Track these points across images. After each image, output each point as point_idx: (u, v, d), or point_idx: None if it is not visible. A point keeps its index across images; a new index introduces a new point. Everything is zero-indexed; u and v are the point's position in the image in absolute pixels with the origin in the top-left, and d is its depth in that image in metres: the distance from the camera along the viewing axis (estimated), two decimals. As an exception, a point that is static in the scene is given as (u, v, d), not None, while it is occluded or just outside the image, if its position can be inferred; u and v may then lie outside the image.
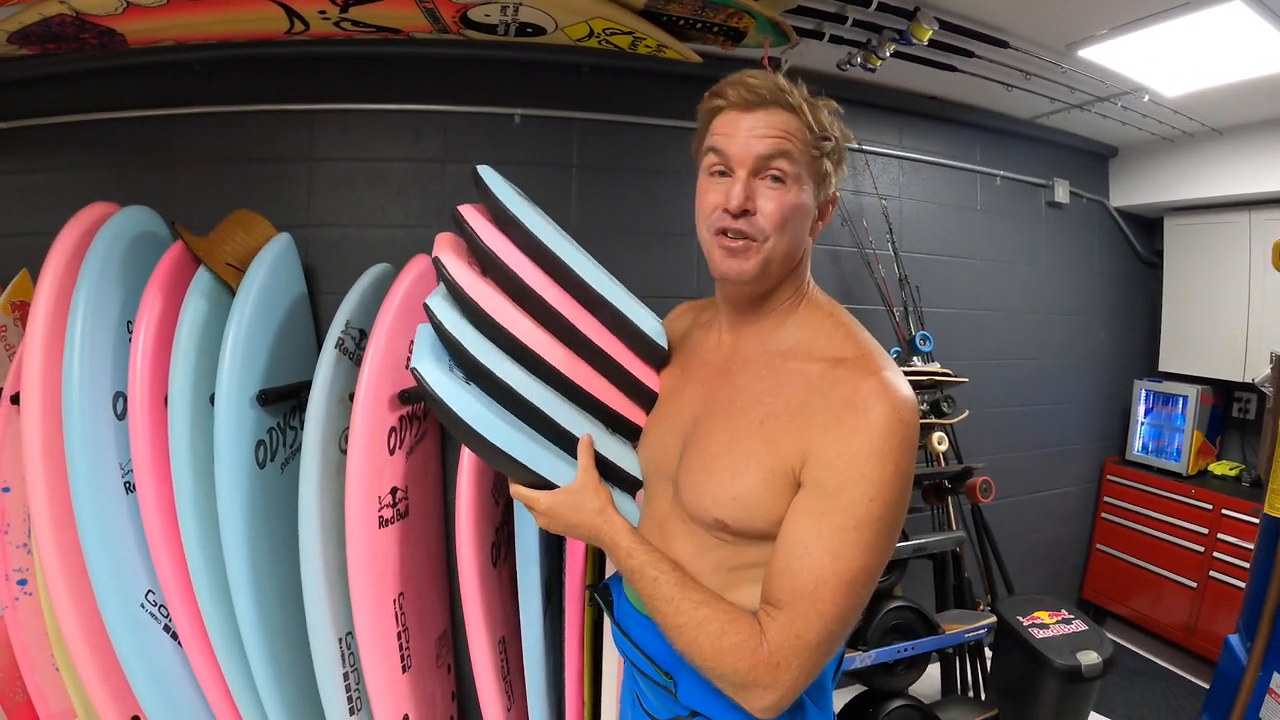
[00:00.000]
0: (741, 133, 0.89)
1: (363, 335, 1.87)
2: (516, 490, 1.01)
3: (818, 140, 0.91)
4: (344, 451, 1.77)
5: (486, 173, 1.03)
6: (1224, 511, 2.99)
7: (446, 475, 2.10)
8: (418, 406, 1.83)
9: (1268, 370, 1.31)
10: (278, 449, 1.80)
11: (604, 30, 1.86)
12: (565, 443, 1.03)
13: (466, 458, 1.66)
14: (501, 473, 1.01)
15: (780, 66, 2.32)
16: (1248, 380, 3.06)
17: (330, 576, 1.68)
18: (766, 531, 0.88)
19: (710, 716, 0.95)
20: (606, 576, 1.30)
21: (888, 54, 2.23)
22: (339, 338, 1.77)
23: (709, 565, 0.94)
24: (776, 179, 0.89)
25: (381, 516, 1.73)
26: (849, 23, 2.15)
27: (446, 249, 1.00)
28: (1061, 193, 3.31)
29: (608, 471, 1.05)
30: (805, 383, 0.88)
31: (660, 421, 1.08)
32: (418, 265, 1.88)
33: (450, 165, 2.19)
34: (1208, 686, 2.92)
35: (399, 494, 1.83)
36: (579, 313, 1.06)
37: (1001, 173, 3.13)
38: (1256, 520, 2.67)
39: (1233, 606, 2.82)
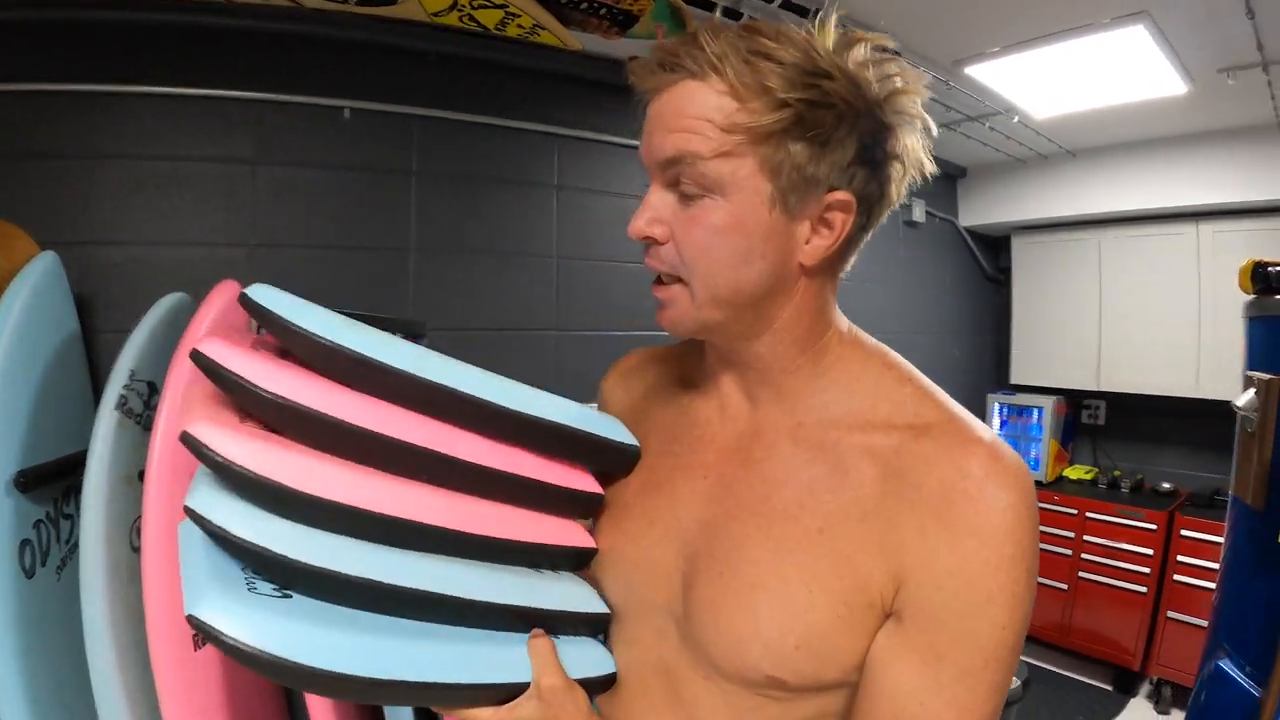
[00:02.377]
0: (647, 127, 0.63)
1: (153, 390, 1.42)
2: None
3: (764, 111, 0.58)
4: (137, 549, 1.33)
5: (260, 293, 0.62)
6: (1088, 515, 3.15)
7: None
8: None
9: (1250, 394, 1.24)
10: (50, 547, 1.33)
11: (470, 2, 1.55)
12: (490, 616, 0.69)
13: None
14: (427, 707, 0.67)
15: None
16: (1100, 389, 3.29)
17: (140, 717, 1.26)
18: (840, 681, 0.63)
19: None
20: None
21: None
22: (121, 395, 1.33)
23: None
24: (686, 195, 0.62)
25: (196, 635, 1.30)
26: (743, 19, 1.97)
27: (197, 415, 0.60)
28: (918, 212, 3.39)
29: (560, 626, 0.72)
30: (877, 466, 0.62)
31: (640, 535, 0.74)
32: (224, 294, 1.46)
33: (263, 168, 1.77)
34: (1087, 681, 3.10)
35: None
36: (444, 432, 0.68)
37: (860, 191, 3.13)
38: (1119, 520, 2.83)
39: (1101, 601, 3.04)
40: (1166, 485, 3.22)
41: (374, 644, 0.59)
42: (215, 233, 1.71)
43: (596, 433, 0.73)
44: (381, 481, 0.65)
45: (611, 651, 0.74)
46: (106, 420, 1.29)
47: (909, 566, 0.58)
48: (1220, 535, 2.79)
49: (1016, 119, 2.68)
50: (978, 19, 2.05)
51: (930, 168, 0.66)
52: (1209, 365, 3.05)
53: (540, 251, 2.16)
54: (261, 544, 0.57)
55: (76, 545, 1.37)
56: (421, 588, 0.62)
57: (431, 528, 0.65)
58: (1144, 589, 2.93)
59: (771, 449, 0.67)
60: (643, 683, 0.72)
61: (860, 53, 0.60)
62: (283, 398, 0.61)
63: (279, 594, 0.58)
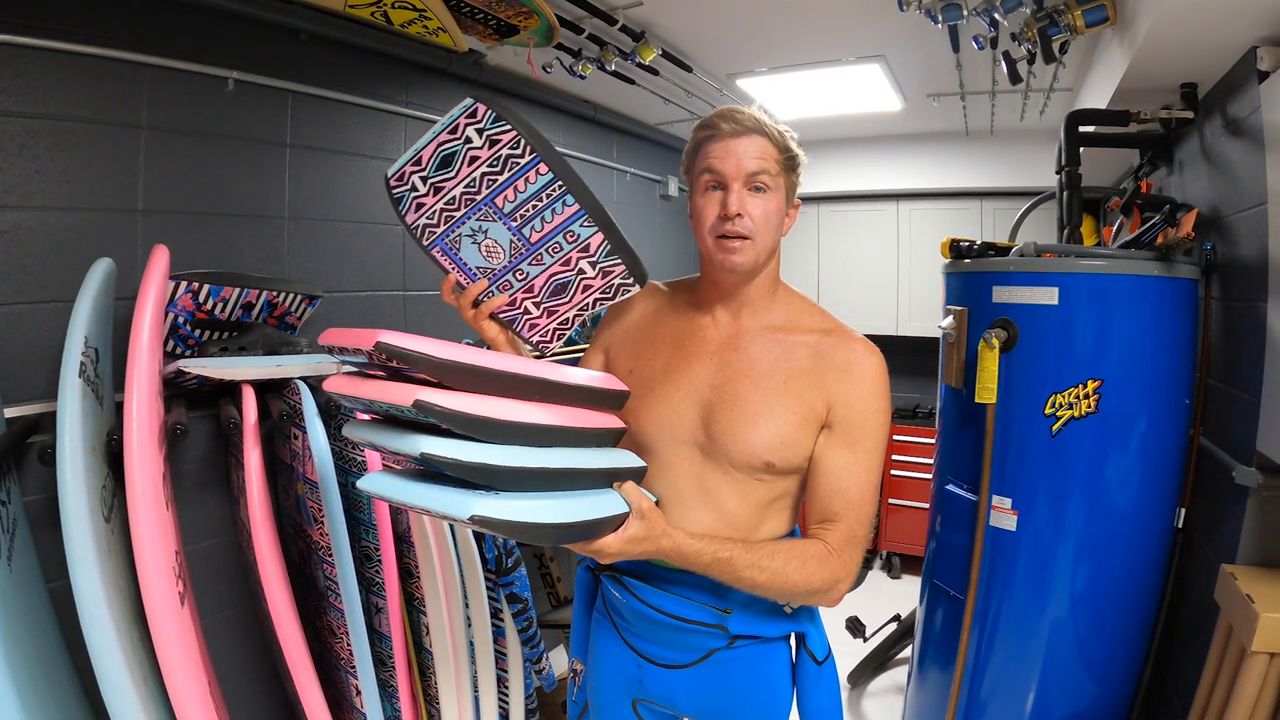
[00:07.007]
0: (733, 155, 1.10)
1: (98, 356, 1.40)
2: (583, 547, 0.99)
3: (787, 159, 1.13)
4: (107, 519, 1.33)
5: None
6: (903, 438, 3.98)
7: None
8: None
9: (950, 319, 1.95)
10: (1, 537, 1.25)
11: (392, 1, 1.69)
12: (595, 477, 1.03)
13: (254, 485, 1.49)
14: (560, 544, 0.97)
15: (479, 59, 2.37)
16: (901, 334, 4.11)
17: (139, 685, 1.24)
18: (800, 466, 1.13)
19: (757, 635, 1.17)
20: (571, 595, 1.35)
21: (612, 66, 2.42)
22: (80, 362, 1.30)
23: (749, 506, 1.14)
24: (758, 189, 1.11)
25: (179, 593, 1.36)
26: (585, 34, 2.27)
27: (397, 390, 0.90)
28: (673, 188, 4.01)
29: (625, 478, 1.07)
30: (808, 350, 1.13)
31: (667, 395, 1.18)
32: (162, 261, 1.48)
33: (149, 133, 1.70)
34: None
35: (179, 558, 1.44)
36: (529, 365, 1.03)
37: (631, 170, 3.64)
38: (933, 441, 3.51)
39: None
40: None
41: (553, 504, 0.92)
42: (104, 197, 1.61)
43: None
44: (519, 403, 0.98)
45: (656, 481, 1.16)
46: (72, 389, 1.26)
47: (833, 399, 1.10)
48: (919, 438, 3.85)
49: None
50: (752, 46, 2.59)
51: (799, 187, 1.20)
52: (905, 310, 4.11)
53: (386, 219, 2.34)
54: (481, 461, 0.88)
55: (15, 530, 1.32)
56: (563, 466, 0.97)
57: (555, 428, 1.00)
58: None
59: (751, 341, 1.16)
60: (682, 490, 1.17)
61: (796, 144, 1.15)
62: (453, 361, 0.92)
63: (490, 491, 0.89)
